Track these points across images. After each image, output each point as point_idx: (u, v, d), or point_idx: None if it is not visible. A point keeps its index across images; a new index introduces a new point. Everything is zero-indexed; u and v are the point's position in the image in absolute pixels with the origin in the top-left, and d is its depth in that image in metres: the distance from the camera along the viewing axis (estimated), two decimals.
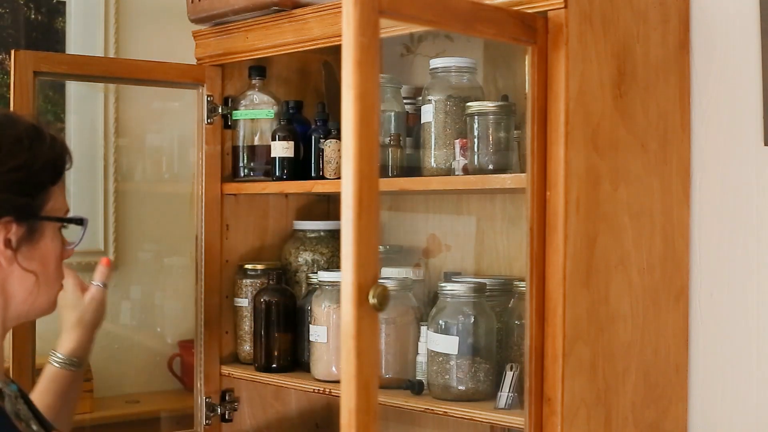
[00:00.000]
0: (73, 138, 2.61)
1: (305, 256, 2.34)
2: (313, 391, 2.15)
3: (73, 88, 2.60)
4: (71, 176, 2.59)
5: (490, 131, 1.93)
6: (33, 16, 2.55)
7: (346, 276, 1.36)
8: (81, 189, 2.62)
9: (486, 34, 1.70)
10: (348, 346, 1.35)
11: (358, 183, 1.37)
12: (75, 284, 1.85)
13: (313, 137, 2.23)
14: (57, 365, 1.80)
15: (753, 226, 1.89)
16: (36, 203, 1.43)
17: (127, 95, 2.71)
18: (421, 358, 2.03)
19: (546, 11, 1.71)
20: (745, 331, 1.90)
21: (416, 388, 2.00)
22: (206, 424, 2.33)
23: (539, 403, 1.72)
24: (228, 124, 2.36)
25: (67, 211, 1.51)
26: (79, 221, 1.53)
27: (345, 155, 1.37)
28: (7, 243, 1.40)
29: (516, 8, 1.73)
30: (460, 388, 1.93)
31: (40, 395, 1.77)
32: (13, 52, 2.04)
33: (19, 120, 1.47)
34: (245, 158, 2.36)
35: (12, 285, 1.43)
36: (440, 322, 1.96)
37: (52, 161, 1.46)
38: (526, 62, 1.72)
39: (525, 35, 1.69)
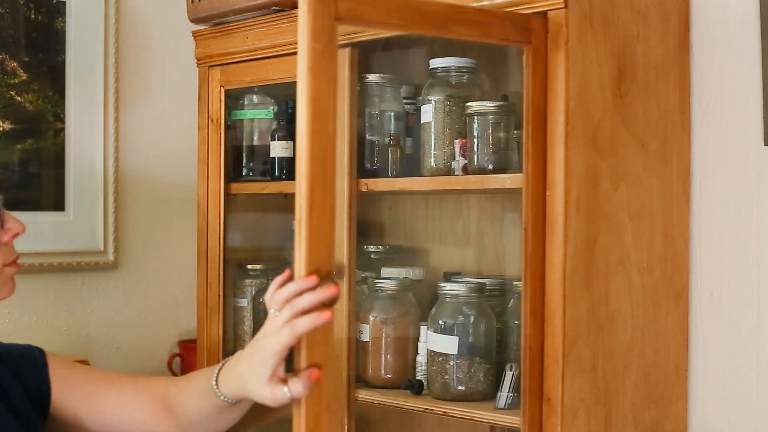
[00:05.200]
0: (73, 138, 2.60)
1: None
2: None
3: (73, 88, 2.60)
4: (71, 176, 2.60)
5: (490, 131, 1.93)
6: (33, 16, 2.55)
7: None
8: (81, 189, 2.61)
9: (467, 36, 1.67)
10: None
11: (310, 185, 1.41)
12: (272, 364, 1.50)
13: None
14: (213, 390, 1.61)
15: (753, 226, 1.89)
16: None
17: (128, 95, 2.71)
18: (421, 358, 2.03)
19: (546, 11, 1.71)
20: (745, 331, 1.90)
21: (416, 388, 2.00)
22: None
23: (535, 403, 1.72)
24: (228, 124, 2.36)
25: None
26: None
27: (298, 158, 1.43)
28: None
29: (510, 9, 1.73)
30: (459, 388, 1.92)
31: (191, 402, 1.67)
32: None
33: None
34: (245, 158, 2.36)
35: None
36: (440, 322, 1.96)
37: None
38: (523, 62, 1.72)
39: (517, 36, 1.69)
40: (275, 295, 1.48)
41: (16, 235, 1.53)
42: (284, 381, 1.49)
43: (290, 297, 1.45)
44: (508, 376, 1.85)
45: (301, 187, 1.42)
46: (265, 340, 1.50)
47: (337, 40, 1.44)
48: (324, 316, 1.45)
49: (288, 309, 1.46)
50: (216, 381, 1.61)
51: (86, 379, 1.73)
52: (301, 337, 1.45)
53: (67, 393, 1.68)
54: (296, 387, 1.47)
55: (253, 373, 1.52)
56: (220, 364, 1.63)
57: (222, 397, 1.61)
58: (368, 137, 2.12)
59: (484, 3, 1.78)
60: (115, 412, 1.70)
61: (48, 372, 1.68)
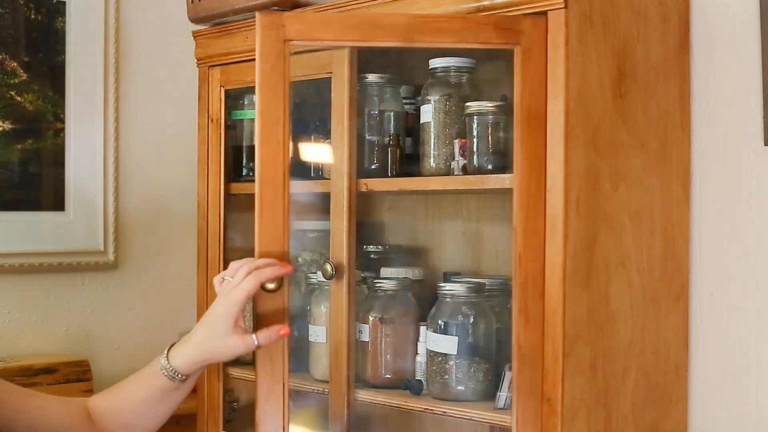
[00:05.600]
0: (73, 138, 2.60)
1: (305, 256, 2.34)
2: (313, 392, 2.14)
3: (73, 88, 2.60)
4: (71, 176, 2.60)
5: (490, 131, 1.93)
6: (33, 16, 2.55)
7: None
8: (81, 189, 2.61)
9: (440, 44, 1.76)
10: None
11: (261, 186, 1.72)
12: (232, 313, 1.62)
13: (312, 137, 2.23)
14: (161, 369, 1.67)
15: (753, 226, 1.89)
16: None
17: (128, 95, 2.71)
18: (421, 358, 2.03)
19: (546, 11, 1.71)
20: (745, 331, 1.90)
21: (415, 388, 2.00)
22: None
23: (529, 402, 1.72)
24: (228, 124, 2.36)
25: None
26: None
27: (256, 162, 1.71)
28: None
29: (510, 9, 1.74)
30: (459, 388, 1.92)
31: (132, 390, 1.71)
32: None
33: None
34: (245, 158, 2.36)
35: None
36: (439, 322, 1.96)
37: None
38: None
39: (500, 39, 1.71)
40: (231, 264, 1.68)
41: None
42: (247, 332, 1.63)
43: (246, 264, 1.66)
44: (508, 376, 1.85)
45: (256, 188, 1.71)
46: (224, 298, 1.63)
47: (287, 57, 1.70)
48: (286, 266, 1.68)
49: (246, 265, 1.66)
50: (167, 358, 1.67)
51: (13, 390, 1.70)
52: (261, 287, 1.64)
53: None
54: (263, 335, 1.64)
55: (216, 330, 1.63)
56: (166, 348, 1.70)
57: (172, 374, 1.66)
58: (368, 137, 2.12)
59: (484, 3, 1.78)
60: (45, 421, 1.69)
61: None
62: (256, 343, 1.64)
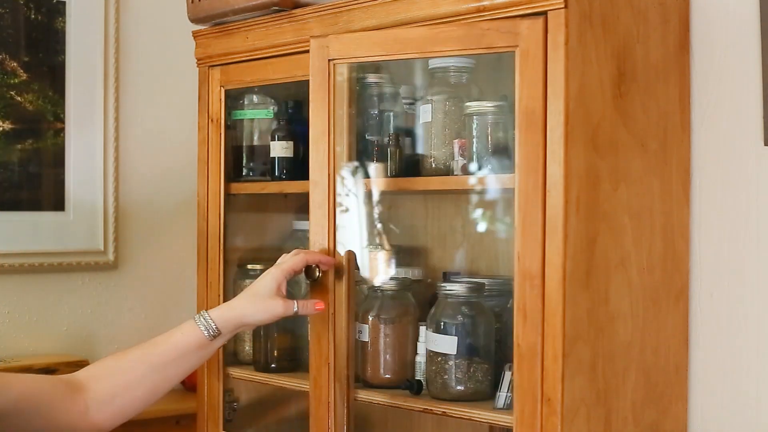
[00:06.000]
0: (73, 138, 2.60)
1: None
2: None
3: (73, 88, 2.60)
4: (71, 176, 2.60)
5: (489, 131, 1.93)
6: (33, 16, 2.55)
7: None
8: (81, 189, 2.61)
9: (451, 52, 1.86)
10: None
11: (312, 188, 1.99)
12: (278, 278, 1.80)
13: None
14: (197, 321, 1.74)
15: (753, 226, 1.89)
16: None
17: (128, 95, 2.71)
18: (420, 358, 2.03)
19: (546, 11, 1.71)
20: (745, 331, 1.90)
21: (415, 388, 1.99)
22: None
23: (527, 401, 1.72)
24: (228, 124, 2.36)
25: None
26: None
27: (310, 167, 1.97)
28: None
29: (509, 9, 1.74)
30: (458, 388, 1.92)
31: (156, 342, 1.74)
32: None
33: None
34: (245, 158, 2.36)
35: None
36: (439, 322, 1.96)
37: None
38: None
39: (505, 42, 1.74)
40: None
41: None
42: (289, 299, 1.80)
43: (301, 250, 1.89)
44: (507, 376, 1.85)
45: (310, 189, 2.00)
46: (274, 267, 1.82)
47: (332, 75, 1.94)
48: (331, 258, 1.91)
49: (302, 250, 1.89)
50: (203, 313, 1.75)
51: None
52: (308, 264, 1.86)
53: None
54: (302, 304, 1.82)
55: (261, 291, 1.78)
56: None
57: (206, 325, 1.73)
58: (368, 137, 2.12)
59: (484, 3, 1.78)
60: (27, 392, 1.63)
61: None
62: (295, 309, 1.80)
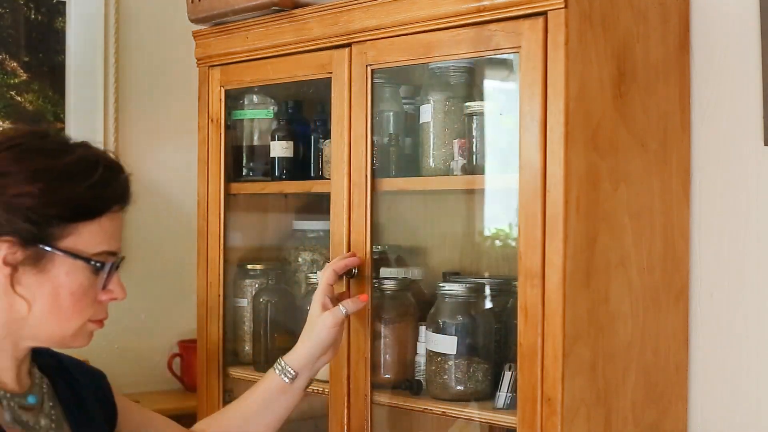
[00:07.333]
0: (73, 138, 2.60)
1: (305, 256, 2.34)
2: (312, 391, 2.14)
3: (73, 88, 2.60)
4: None
5: (489, 131, 1.93)
6: (33, 16, 2.55)
7: None
8: None
9: (458, 55, 1.88)
10: None
11: (350, 188, 1.96)
12: (320, 300, 1.85)
13: (312, 137, 2.23)
14: (274, 369, 1.81)
15: (753, 226, 1.89)
16: (44, 233, 1.39)
17: (128, 95, 2.71)
18: (420, 358, 2.03)
19: (546, 11, 1.71)
20: (745, 331, 1.90)
21: (415, 388, 2.00)
22: None
23: (529, 401, 1.72)
24: (228, 124, 2.36)
25: (109, 252, 1.47)
26: (99, 265, 1.44)
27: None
28: (5, 261, 1.39)
29: (509, 9, 1.74)
30: (458, 388, 1.92)
31: (246, 395, 1.82)
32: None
33: (74, 151, 1.47)
34: (245, 158, 2.36)
35: (2, 303, 1.41)
36: (439, 322, 1.96)
37: (82, 199, 1.44)
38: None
39: (509, 44, 1.74)
40: None
41: (114, 299, 1.53)
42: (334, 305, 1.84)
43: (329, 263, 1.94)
44: (507, 376, 1.85)
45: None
46: (316, 293, 1.86)
47: (368, 80, 1.99)
48: (354, 257, 1.95)
49: (329, 264, 1.93)
50: (279, 360, 1.81)
51: (137, 409, 1.75)
52: (336, 273, 1.89)
53: (125, 420, 1.69)
54: (348, 304, 1.83)
55: (312, 319, 1.82)
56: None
57: (283, 370, 1.79)
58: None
59: (485, 3, 1.78)
60: None
61: (113, 396, 1.68)
62: (343, 311, 1.82)
